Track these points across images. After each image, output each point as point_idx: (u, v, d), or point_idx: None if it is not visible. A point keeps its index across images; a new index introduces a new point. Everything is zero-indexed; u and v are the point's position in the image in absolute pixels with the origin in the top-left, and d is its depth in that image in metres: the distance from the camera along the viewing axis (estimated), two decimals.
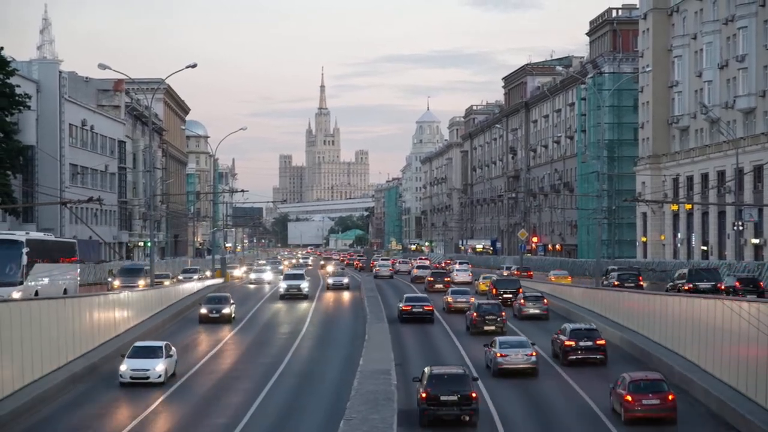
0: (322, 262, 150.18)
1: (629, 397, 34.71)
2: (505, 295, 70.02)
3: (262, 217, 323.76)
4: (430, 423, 34.19)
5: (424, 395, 34.64)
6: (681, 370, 40.59)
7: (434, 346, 49.21)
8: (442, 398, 34.38)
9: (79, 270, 66.26)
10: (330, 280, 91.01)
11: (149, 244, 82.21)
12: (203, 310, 62.60)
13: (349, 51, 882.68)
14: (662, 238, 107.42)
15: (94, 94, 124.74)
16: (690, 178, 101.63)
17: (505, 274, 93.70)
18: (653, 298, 51.05)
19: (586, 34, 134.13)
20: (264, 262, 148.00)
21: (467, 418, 34.44)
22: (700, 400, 37.06)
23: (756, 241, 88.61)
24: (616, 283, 71.31)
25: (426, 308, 62.88)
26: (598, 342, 46.16)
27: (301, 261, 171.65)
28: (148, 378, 40.74)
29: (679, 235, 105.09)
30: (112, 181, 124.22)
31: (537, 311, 62.80)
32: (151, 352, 41.83)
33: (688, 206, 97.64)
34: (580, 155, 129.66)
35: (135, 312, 57.15)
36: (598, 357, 45.77)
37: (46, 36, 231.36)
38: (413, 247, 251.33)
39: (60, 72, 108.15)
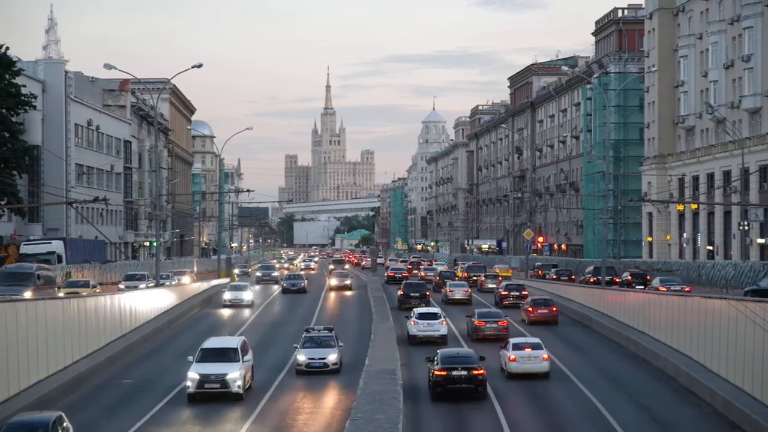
0: (331, 267, 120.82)
1: (530, 308, 61.49)
2: (473, 277, 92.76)
3: (268, 217, 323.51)
4: (405, 309, 64.40)
5: (401, 293, 69.76)
6: (687, 370, 40.58)
7: None
8: (411, 294, 68.51)
9: None
10: (302, 357, 43.52)
11: (155, 244, 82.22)
12: None
13: (354, 51, 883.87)
14: (668, 238, 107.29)
15: (100, 94, 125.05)
16: (696, 178, 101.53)
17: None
18: (647, 296, 51.24)
19: (592, 34, 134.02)
20: (260, 264, 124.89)
21: (424, 305, 62.20)
22: (706, 400, 37.06)
23: (762, 240, 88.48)
24: (554, 276, 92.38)
25: (404, 275, 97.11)
26: (524, 293, 70.16)
27: (302, 265, 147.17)
28: None
29: (684, 235, 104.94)
30: (118, 181, 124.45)
31: (493, 286, 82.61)
32: None
33: (694, 206, 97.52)
34: (586, 155, 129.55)
35: None
36: (522, 302, 66.14)
37: (51, 36, 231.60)
38: (419, 246, 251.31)
39: (66, 72, 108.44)
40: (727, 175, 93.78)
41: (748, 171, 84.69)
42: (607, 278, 77.10)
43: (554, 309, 61.82)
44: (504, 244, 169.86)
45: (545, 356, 42.59)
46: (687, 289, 65.47)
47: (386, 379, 37.74)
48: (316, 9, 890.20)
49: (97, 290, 67.15)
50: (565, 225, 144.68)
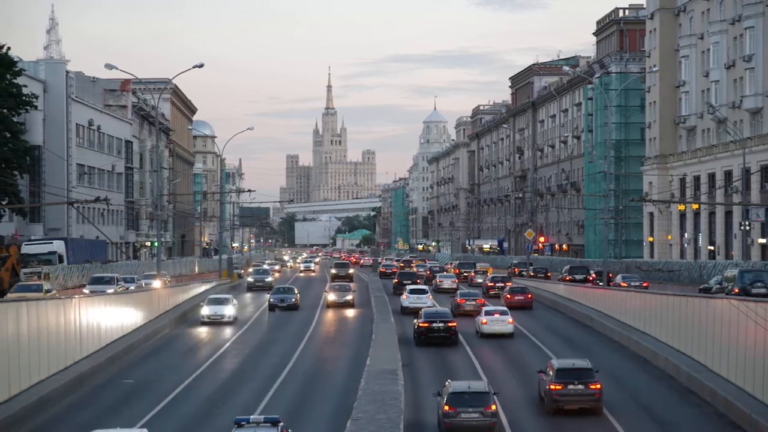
0: (333, 271, 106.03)
1: (508, 295, 69.83)
2: (464, 273, 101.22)
3: (269, 217, 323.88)
4: (399, 294, 71.88)
5: (396, 281, 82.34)
6: (688, 370, 40.53)
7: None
8: (404, 282, 78.19)
9: None
10: None
11: (156, 244, 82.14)
12: None
13: (356, 51, 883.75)
14: (669, 238, 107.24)
15: (101, 94, 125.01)
16: (697, 178, 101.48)
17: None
18: (659, 297, 51.19)
19: (593, 33, 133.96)
20: (253, 268, 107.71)
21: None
22: (707, 400, 37.02)
23: (763, 240, 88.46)
24: (531, 274, 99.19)
25: (394, 270, 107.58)
26: (507, 284, 77.93)
27: (302, 266, 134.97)
28: None
29: (686, 235, 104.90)
30: (119, 181, 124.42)
31: (481, 280, 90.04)
32: None
33: (695, 206, 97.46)
34: (587, 155, 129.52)
35: None
36: (504, 289, 74.54)
37: (53, 36, 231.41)
38: (420, 247, 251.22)
39: (67, 72, 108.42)
40: (728, 175, 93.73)
41: (749, 171, 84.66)
42: (582, 276, 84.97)
43: (529, 296, 70.54)
44: (505, 244, 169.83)
45: (510, 320, 54.77)
46: (645, 285, 73.28)
47: (387, 379, 37.71)
48: (316, 9, 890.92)
49: (55, 294, 56.80)
50: (566, 225, 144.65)
